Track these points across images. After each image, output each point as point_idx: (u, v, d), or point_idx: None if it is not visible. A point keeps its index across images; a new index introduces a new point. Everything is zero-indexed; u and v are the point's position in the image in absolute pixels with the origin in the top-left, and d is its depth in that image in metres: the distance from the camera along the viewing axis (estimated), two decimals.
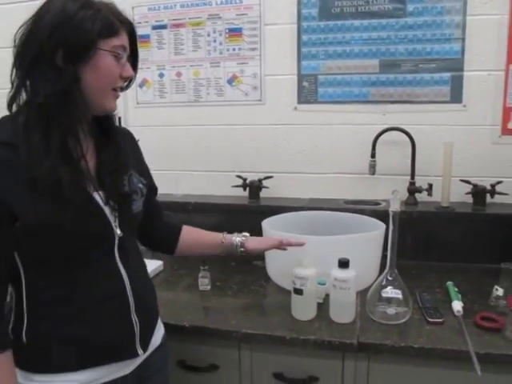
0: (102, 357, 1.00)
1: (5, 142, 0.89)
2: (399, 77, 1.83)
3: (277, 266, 1.58)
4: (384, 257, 1.60)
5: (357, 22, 1.83)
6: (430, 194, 1.81)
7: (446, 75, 1.80)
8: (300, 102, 1.94)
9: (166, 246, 1.34)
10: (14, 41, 0.93)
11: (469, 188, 1.79)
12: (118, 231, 1.01)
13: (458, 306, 1.36)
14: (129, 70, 0.98)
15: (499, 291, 1.39)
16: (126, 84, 1.02)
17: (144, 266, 1.17)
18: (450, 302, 1.40)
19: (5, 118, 0.94)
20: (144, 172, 1.18)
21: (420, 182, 1.84)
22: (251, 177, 1.97)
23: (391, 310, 1.31)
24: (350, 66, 1.86)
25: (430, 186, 1.81)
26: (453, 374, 1.21)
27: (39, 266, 0.95)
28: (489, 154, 1.82)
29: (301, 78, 1.91)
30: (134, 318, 1.04)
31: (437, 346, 1.20)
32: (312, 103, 1.93)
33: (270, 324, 1.33)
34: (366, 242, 1.52)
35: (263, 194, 1.96)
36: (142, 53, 2.02)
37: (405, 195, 1.84)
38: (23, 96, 0.93)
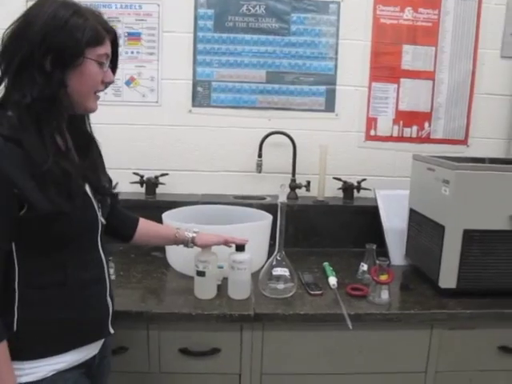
0: (86, 337, 1.08)
1: (8, 136, 0.92)
2: (283, 87, 2.09)
3: (177, 255, 1.72)
4: (270, 245, 1.83)
5: (247, 37, 2.05)
6: (308, 190, 2.09)
7: (322, 88, 2.10)
8: (194, 105, 2.10)
9: (123, 235, 1.41)
10: (2, 40, 0.96)
11: (340, 184, 2.10)
12: (103, 220, 1.12)
13: (333, 280, 1.63)
14: (110, 76, 1.06)
15: (364, 267, 1.70)
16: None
17: None
18: (327, 278, 1.67)
19: None
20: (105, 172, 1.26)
21: (300, 179, 2.11)
22: (148, 174, 2.07)
23: (280, 286, 1.53)
24: (240, 74, 2.08)
25: (308, 182, 2.09)
26: (331, 332, 1.47)
27: (36, 252, 0.99)
28: (356, 156, 2.16)
29: (196, 83, 2.08)
30: (109, 300, 1.14)
31: (318, 311, 1.45)
32: (205, 107, 2.10)
33: (176, 304, 1.46)
34: (258, 230, 1.73)
35: (159, 190, 2.07)
36: None
37: (287, 191, 2.09)
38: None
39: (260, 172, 2.08)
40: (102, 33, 1.00)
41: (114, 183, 1.27)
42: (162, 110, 2.10)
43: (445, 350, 1.53)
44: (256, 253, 1.69)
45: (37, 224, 0.96)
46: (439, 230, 1.57)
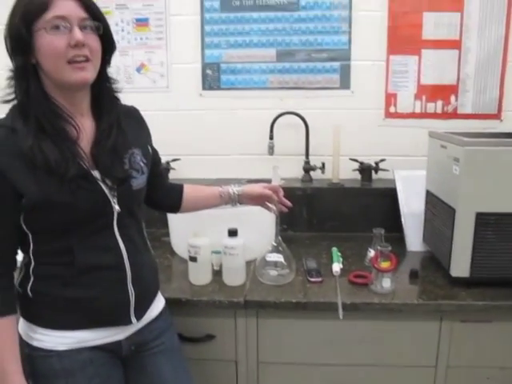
0: (97, 320, 1.08)
1: (4, 124, 0.97)
2: (294, 65, 2.00)
3: (179, 239, 1.70)
4: (284, 229, 1.77)
5: (255, 15, 1.96)
6: (323, 172, 1.99)
7: (336, 64, 1.98)
8: (204, 88, 2.05)
9: (171, 206, 1.41)
10: None
11: (356, 165, 1.98)
12: (117, 207, 1.06)
13: (336, 267, 1.54)
14: (74, 36, 0.94)
15: (371, 253, 1.58)
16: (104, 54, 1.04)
17: (145, 242, 1.21)
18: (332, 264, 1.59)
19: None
20: (147, 149, 1.21)
21: (314, 161, 2.01)
22: None
23: (274, 272, 1.47)
24: (249, 55, 2.00)
25: (323, 164, 1.99)
26: (329, 321, 1.39)
27: (42, 235, 1.04)
28: (374, 135, 2.02)
29: (205, 66, 2.03)
30: (130, 288, 1.10)
31: (311, 299, 1.38)
32: (215, 90, 2.05)
33: (169, 289, 1.44)
34: (265, 213, 1.65)
35: (171, 175, 2.04)
36: None
37: (301, 173, 2.01)
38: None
39: (272, 154, 2.00)
40: (40, 1, 0.94)
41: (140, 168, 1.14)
42: (172, 94, 2.07)
43: (457, 343, 1.41)
44: (264, 237, 1.63)
45: (39, 211, 0.99)
46: (450, 213, 1.43)
